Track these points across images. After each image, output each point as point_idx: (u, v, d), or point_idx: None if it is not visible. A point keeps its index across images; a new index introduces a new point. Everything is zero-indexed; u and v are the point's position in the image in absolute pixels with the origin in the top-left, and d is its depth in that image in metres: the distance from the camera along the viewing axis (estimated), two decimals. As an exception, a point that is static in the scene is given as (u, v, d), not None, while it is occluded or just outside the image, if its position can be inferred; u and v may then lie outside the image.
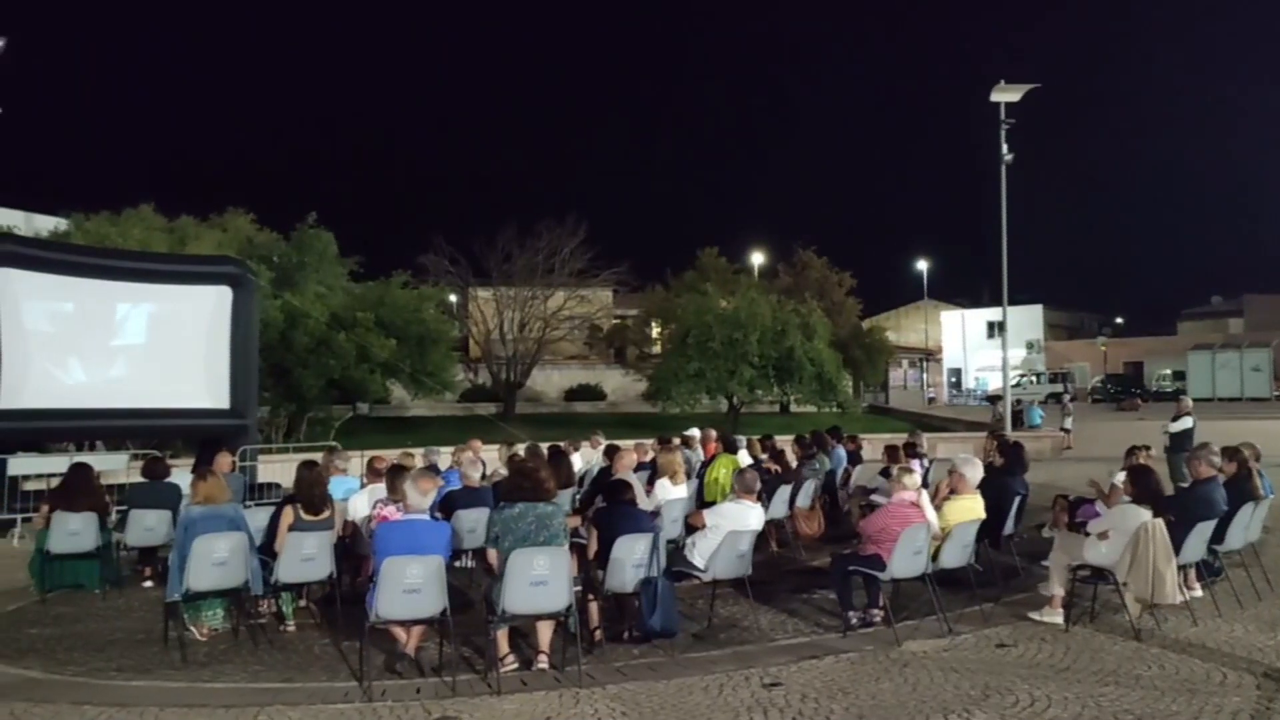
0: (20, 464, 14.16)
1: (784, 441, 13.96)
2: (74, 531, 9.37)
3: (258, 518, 8.36)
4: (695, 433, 14.29)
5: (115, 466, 14.99)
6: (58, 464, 13.84)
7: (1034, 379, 57.27)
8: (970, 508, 8.17)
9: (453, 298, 40.98)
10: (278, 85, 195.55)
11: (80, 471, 10.13)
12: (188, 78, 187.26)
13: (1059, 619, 7.62)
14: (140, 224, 25.07)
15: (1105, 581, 7.52)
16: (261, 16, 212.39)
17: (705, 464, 12.08)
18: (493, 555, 6.64)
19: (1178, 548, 7.43)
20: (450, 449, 13.11)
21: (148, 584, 9.85)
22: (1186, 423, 16.05)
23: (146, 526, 9.94)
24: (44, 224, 26.88)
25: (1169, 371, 56.46)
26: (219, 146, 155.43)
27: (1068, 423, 28.28)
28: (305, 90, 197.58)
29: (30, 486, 14.28)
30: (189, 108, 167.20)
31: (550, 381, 47.80)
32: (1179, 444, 15.40)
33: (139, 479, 11.13)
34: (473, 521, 8.79)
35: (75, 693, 6.32)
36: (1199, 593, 8.31)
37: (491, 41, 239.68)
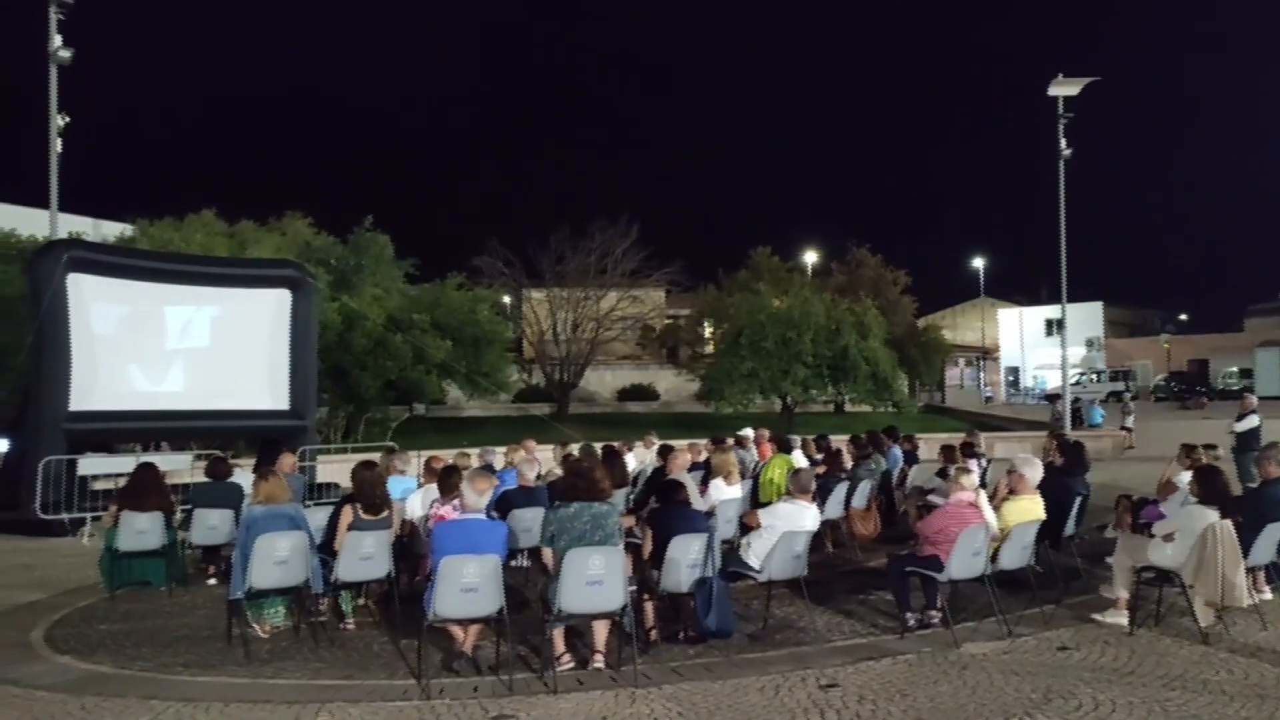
0: (90, 464, 14.50)
1: (839, 441, 13.87)
2: (141, 530, 9.60)
3: (317, 517, 8.48)
4: (749, 433, 14.22)
5: (180, 466, 15.29)
6: (125, 464, 14.16)
7: (1094, 377, 56.15)
8: (1030, 508, 8.06)
9: (507, 299, 41.29)
10: (335, 91, 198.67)
11: (147, 471, 10.34)
12: (247, 86, 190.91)
13: (1123, 621, 7.49)
14: (202, 229, 25.54)
15: (1170, 584, 7.37)
16: (316, 23, 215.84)
17: (760, 464, 12.05)
18: (548, 555, 6.69)
19: (1246, 549, 7.26)
20: (505, 449, 13.20)
21: (211, 581, 10.05)
22: (1252, 421, 15.65)
23: (210, 525, 10.14)
24: (110, 230, 27.54)
25: (1236, 369, 54.99)
26: (277, 152, 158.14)
27: (1129, 421, 27.74)
28: (362, 95, 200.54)
29: (99, 486, 14.65)
30: (248, 114, 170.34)
31: (603, 382, 48.00)
32: (1245, 444, 15.04)
33: (202, 479, 11.34)
34: (528, 521, 8.83)
35: (143, 687, 6.48)
36: (1269, 595, 8.13)
37: (544, 43, 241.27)
